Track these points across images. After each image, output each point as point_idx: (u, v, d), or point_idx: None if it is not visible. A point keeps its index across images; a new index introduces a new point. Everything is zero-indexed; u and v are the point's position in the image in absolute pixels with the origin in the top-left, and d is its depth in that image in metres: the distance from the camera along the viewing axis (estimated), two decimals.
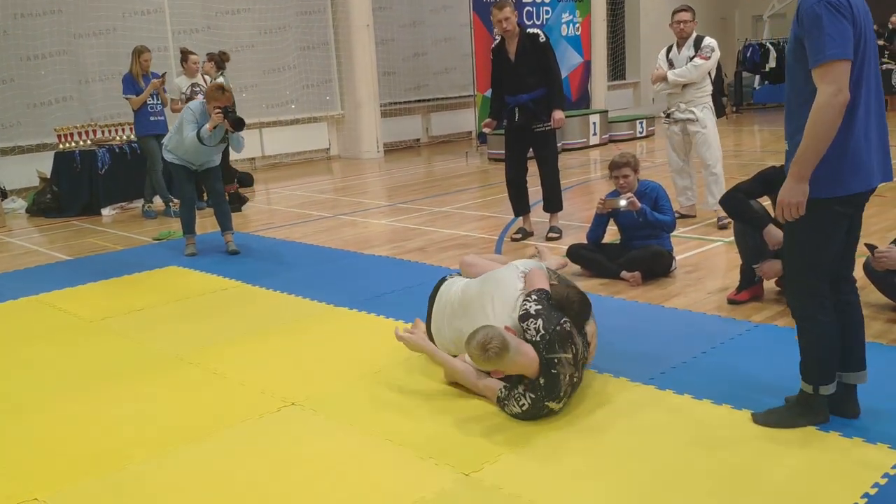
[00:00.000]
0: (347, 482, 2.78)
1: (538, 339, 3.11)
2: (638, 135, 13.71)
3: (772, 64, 17.09)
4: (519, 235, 6.49)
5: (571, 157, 11.79)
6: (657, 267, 5.06)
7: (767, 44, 17.21)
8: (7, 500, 2.78)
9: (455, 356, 3.64)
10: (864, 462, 2.70)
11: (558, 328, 3.15)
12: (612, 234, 5.50)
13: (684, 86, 6.43)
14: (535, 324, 3.14)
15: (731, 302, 4.48)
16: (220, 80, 8.74)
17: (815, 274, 2.83)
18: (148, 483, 2.86)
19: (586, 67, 14.63)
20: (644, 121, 13.89)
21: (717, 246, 5.84)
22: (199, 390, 3.70)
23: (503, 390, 3.18)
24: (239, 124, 6.03)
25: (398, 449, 2.98)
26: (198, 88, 8.79)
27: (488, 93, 6.87)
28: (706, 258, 5.53)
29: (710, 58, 6.35)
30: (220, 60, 8.89)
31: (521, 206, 6.62)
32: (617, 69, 17.99)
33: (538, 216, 6.76)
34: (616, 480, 2.68)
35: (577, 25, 14.21)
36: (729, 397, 3.23)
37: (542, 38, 6.25)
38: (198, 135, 6.02)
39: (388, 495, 2.67)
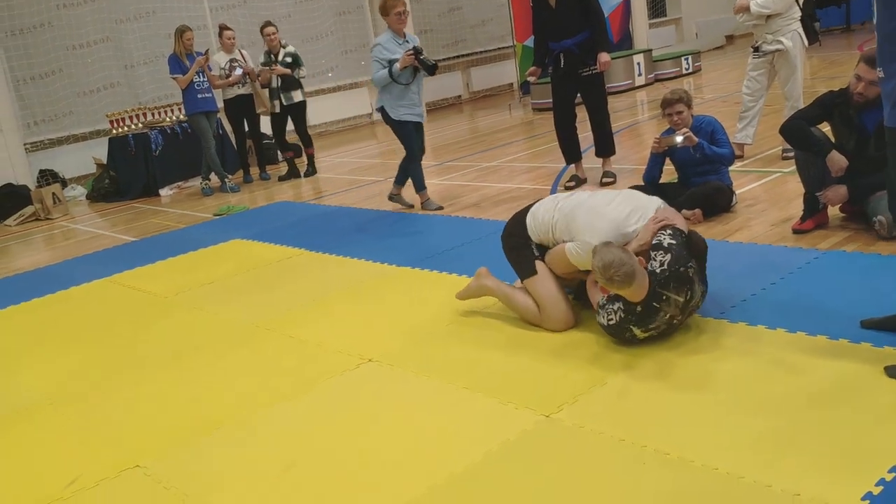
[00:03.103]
0: (431, 430, 2.87)
1: (658, 271, 3.17)
2: (684, 71, 13.40)
3: None
4: (572, 183, 6.47)
5: (618, 100, 11.61)
6: (718, 202, 5.00)
7: None
8: (112, 467, 2.94)
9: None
10: None
11: (681, 269, 3.19)
12: (667, 173, 5.45)
13: (769, 16, 6.07)
14: (665, 257, 3.19)
15: (797, 231, 4.43)
16: (290, 48, 8.83)
17: None
18: (240, 445, 3.00)
19: (626, 7, 14.30)
20: (690, 57, 13.57)
21: (777, 177, 5.74)
22: (278, 355, 3.83)
23: (604, 299, 3.27)
24: (433, 69, 6.16)
25: (477, 396, 3.06)
26: (236, 64, 8.86)
27: (528, 41, 6.81)
28: (767, 190, 5.45)
29: None
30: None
31: (572, 153, 6.58)
32: (657, 6, 17.55)
33: (589, 162, 6.72)
34: (696, 412, 2.71)
35: None
36: (802, 325, 3.22)
37: None
38: (389, 72, 6.08)
39: (471, 440, 2.75)
